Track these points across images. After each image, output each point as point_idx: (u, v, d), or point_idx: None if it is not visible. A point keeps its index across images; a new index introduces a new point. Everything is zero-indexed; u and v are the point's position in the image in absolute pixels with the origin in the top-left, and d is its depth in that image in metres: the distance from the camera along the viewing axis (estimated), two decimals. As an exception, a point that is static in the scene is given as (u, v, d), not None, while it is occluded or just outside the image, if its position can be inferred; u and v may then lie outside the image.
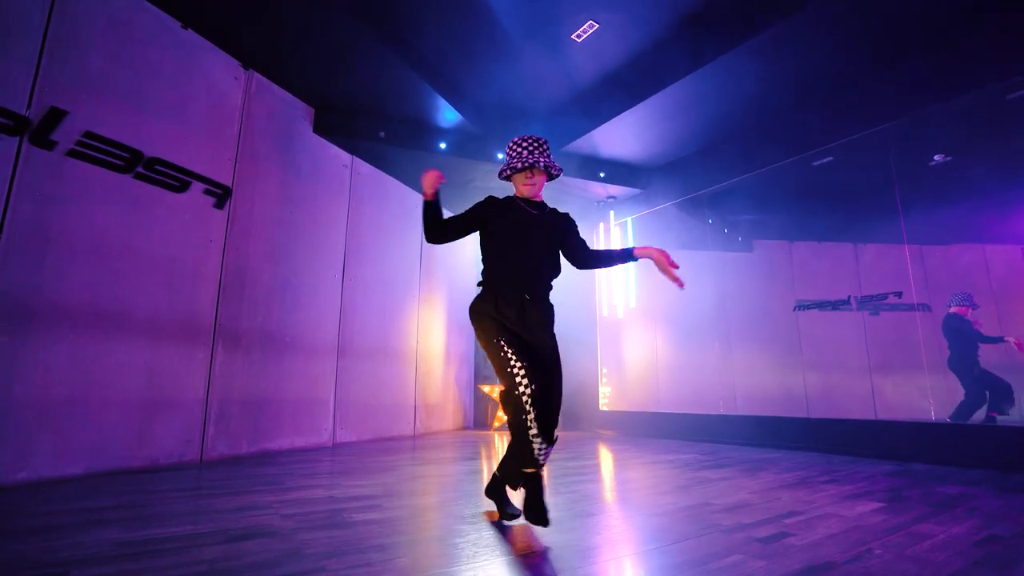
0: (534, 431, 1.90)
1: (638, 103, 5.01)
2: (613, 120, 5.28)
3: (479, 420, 7.73)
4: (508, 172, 2.18)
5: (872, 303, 8.21)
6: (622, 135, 5.65)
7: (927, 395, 5.73)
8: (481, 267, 2.22)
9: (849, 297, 8.39)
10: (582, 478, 3.25)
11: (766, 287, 8.63)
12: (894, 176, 5.61)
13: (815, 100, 5.16)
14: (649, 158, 6.17)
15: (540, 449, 1.92)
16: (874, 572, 1.54)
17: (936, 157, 5.96)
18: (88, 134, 3.16)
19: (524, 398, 1.90)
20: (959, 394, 5.48)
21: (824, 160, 6.51)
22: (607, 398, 7.19)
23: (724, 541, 1.85)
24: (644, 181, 6.45)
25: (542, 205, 2.25)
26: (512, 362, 1.95)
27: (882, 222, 8.33)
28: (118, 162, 3.32)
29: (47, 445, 2.87)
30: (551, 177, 2.23)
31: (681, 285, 2.03)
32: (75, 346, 3.04)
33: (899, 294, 7.07)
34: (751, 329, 8.34)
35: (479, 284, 2.19)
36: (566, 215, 2.29)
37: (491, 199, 2.21)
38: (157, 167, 3.53)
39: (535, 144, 2.15)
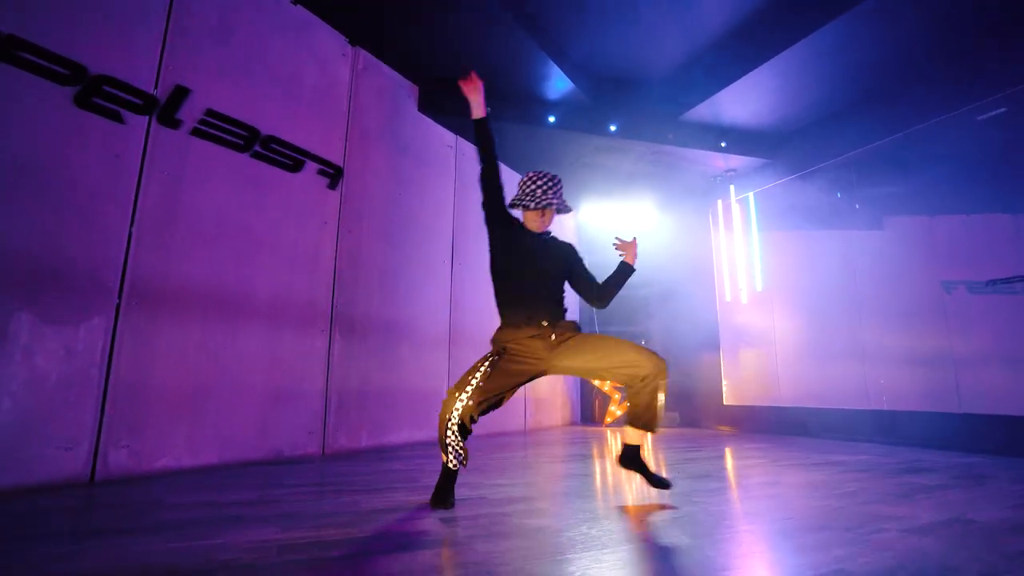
0: None
1: (771, 58, 4.36)
2: (738, 81, 4.66)
3: (586, 415, 7.27)
4: (520, 207, 2.25)
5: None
6: (747, 97, 4.98)
7: None
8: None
9: None
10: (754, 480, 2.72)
11: (901, 272, 7.52)
12: None
13: (990, 36, 4.28)
14: (777, 122, 5.45)
15: None
16: None
17: None
18: (210, 112, 3.04)
19: None
20: None
21: (994, 112, 5.50)
22: (726, 392, 6.52)
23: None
24: (771, 150, 5.72)
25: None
26: None
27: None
28: (238, 140, 3.19)
29: (182, 434, 2.75)
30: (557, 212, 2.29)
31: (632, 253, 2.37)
32: (204, 332, 2.92)
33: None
34: (886, 317, 7.31)
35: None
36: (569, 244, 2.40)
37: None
38: (273, 145, 3.38)
39: (550, 183, 2.23)
